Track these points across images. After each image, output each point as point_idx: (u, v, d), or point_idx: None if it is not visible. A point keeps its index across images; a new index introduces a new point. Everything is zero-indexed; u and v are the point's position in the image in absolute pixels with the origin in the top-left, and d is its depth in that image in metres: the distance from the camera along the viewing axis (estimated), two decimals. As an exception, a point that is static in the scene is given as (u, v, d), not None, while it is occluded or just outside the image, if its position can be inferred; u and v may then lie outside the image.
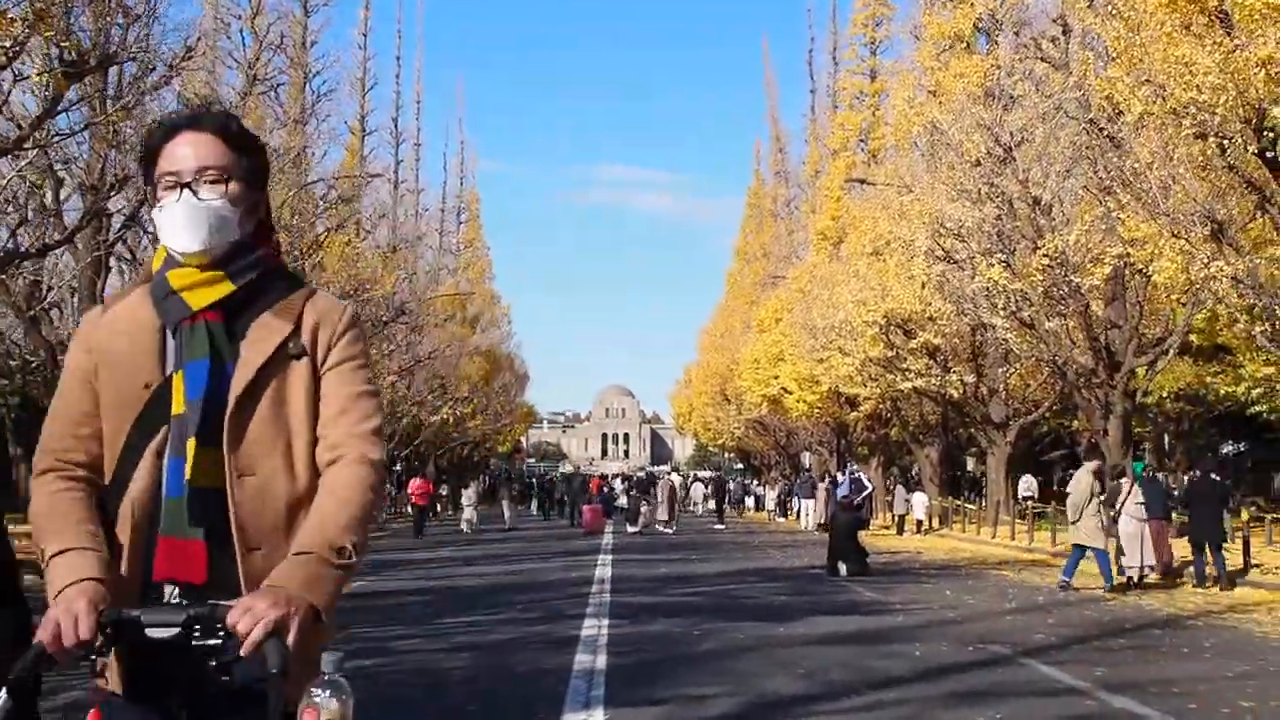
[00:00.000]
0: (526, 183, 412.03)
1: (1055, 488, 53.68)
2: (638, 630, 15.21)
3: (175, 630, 2.64)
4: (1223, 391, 38.03)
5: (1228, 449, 54.74)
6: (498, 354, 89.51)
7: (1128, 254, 24.95)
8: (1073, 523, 21.29)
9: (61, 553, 2.76)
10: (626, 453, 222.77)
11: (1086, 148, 27.02)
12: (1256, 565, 22.54)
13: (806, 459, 65.96)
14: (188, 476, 2.83)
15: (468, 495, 47.85)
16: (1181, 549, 23.46)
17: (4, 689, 2.58)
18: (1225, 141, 19.33)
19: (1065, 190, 28.97)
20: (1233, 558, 23.14)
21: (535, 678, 11.65)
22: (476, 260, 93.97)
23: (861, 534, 26.31)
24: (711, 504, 58.79)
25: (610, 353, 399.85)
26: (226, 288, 2.97)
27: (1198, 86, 18.55)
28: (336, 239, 45.12)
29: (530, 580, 23.28)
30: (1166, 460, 48.97)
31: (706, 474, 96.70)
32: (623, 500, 50.88)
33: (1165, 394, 39.93)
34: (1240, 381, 35.40)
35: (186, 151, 2.95)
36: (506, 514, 49.07)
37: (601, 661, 12.37)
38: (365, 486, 2.90)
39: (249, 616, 2.56)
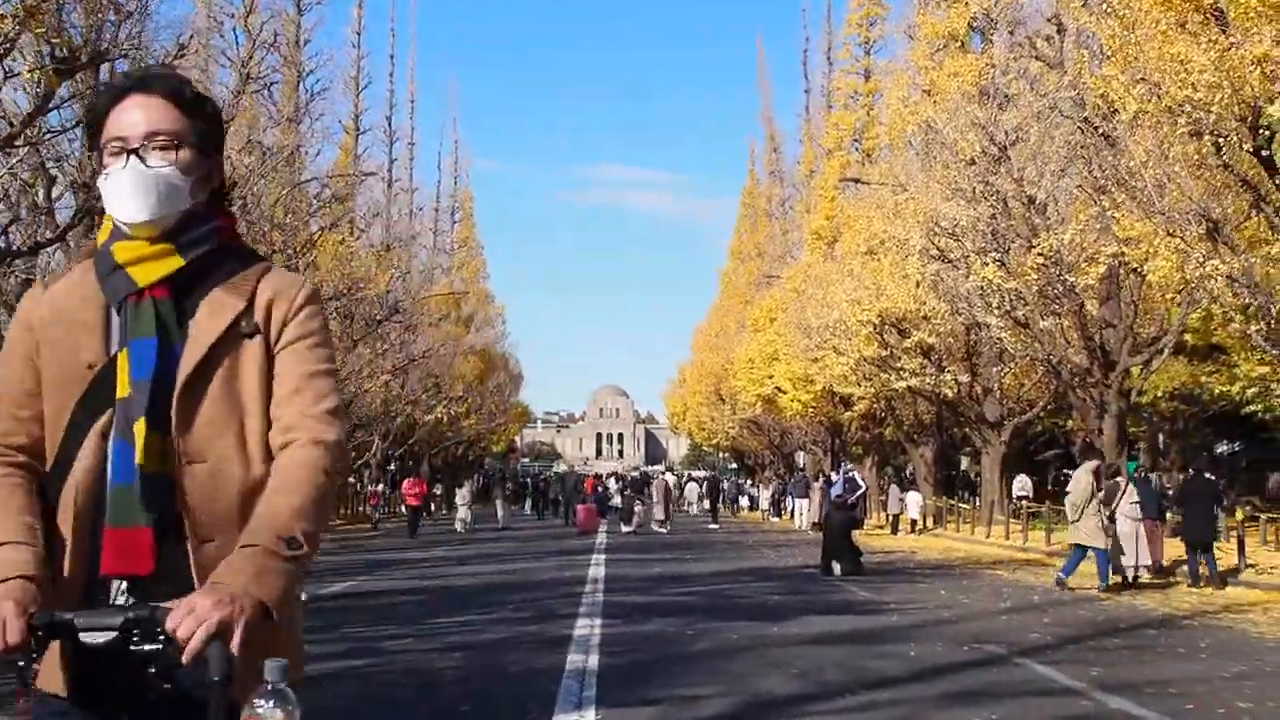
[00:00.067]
0: (523, 182, 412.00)
1: (1050, 487, 53.70)
2: (631, 630, 15.14)
3: (112, 635, 2.43)
4: (1217, 391, 37.97)
5: (1222, 449, 54.74)
6: (492, 353, 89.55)
7: (1122, 253, 24.88)
8: (1072, 522, 21.22)
9: None
10: (621, 452, 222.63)
11: (1081, 147, 26.98)
12: (1251, 565, 22.49)
13: (801, 458, 65.98)
14: (138, 461, 2.64)
15: (462, 495, 47.78)
16: (1175, 548, 23.50)
17: None
18: (1220, 140, 19.28)
19: (1060, 189, 28.92)
20: (1227, 557, 23.16)
21: (527, 677, 11.58)
22: (471, 259, 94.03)
23: (855, 533, 26.31)
24: (706, 504, 58.71)
25: (605, 352, 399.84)
26: (176, 262, 2.78)
27: (1193, 84, 18.49)
28: (330, 238, 45.12)
29: (523, 580, 23.20)
30: (1161, 460, 48.91)
31: (700, 474, 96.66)
32: (617, 500, 50.79)
33: (1160, 393, 39.89)
34: (1235, 381, 35.35)
35: (135, 116, 2.77)
36: (500, 513, 49.04)
37: (594, 661, 12.29)
38: (318, 470, 2.70)
39: (190, 619, 2.35)
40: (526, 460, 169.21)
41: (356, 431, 60.32)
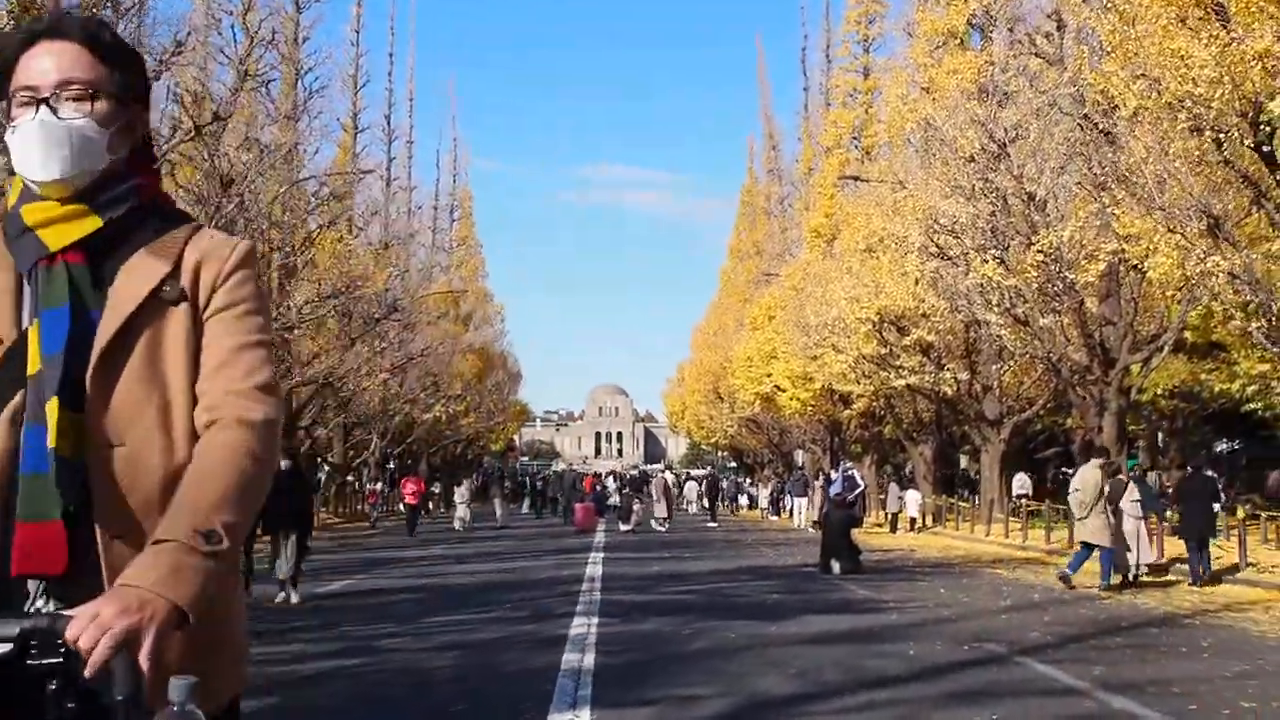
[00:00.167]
0: (523, 182, 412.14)
1: (1050, 485, 53.63)
2: (628, 629, 15.03)
3: (7, 648, 2.09)
4: (1217, 389, 37.90)
5: (1222, 446, 54.67)
6: (490, 352, 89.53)
7: (1123, 250, 24.79)
8: (1080, 519, 21.10)
9: None
10: (620, 451, 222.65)
11: (1081, 143, 26.89)
12: (1252, 563, 22.39)
13: (799, 457, 65.86)
14: (51, 445, 2.33)
15: (460, 493, 47.67)
16: (1172, 546, 23.44)
17: None
18: (1221, 136, 19.17)
19: (1060, 186, 28.83)
20: (1228, 555, 23.09)
21: (523, 677, 11.47)
22: (469, 258, 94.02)
23: (854, 532, 26.20)
24: (705, 502, 58.60)
25: (604, 352, 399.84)
26: (92, 223, 2.50)
27: (1193, 80, 18.41)
28: (328, 236, 45.06)
29: (521, 578, 23.09)
30: (1160, 458, 48.86)
31: (699, 472, 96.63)
32: (615, 499, 50.70)
33: (1159, 391, 39.83)
34: (1235, 379, 35.26)
35: (46, 63, 2.49)
36: (499, 512, 48.96)
37: (590, 661, 12.18)
38: (243, 454, 2.40)
39: (93, 628, 2.05)
40: (525, 459, 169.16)
41: (355, 430, 60.40)
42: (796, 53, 76.45)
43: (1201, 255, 19.77)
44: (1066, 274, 27.90)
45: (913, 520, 43.14)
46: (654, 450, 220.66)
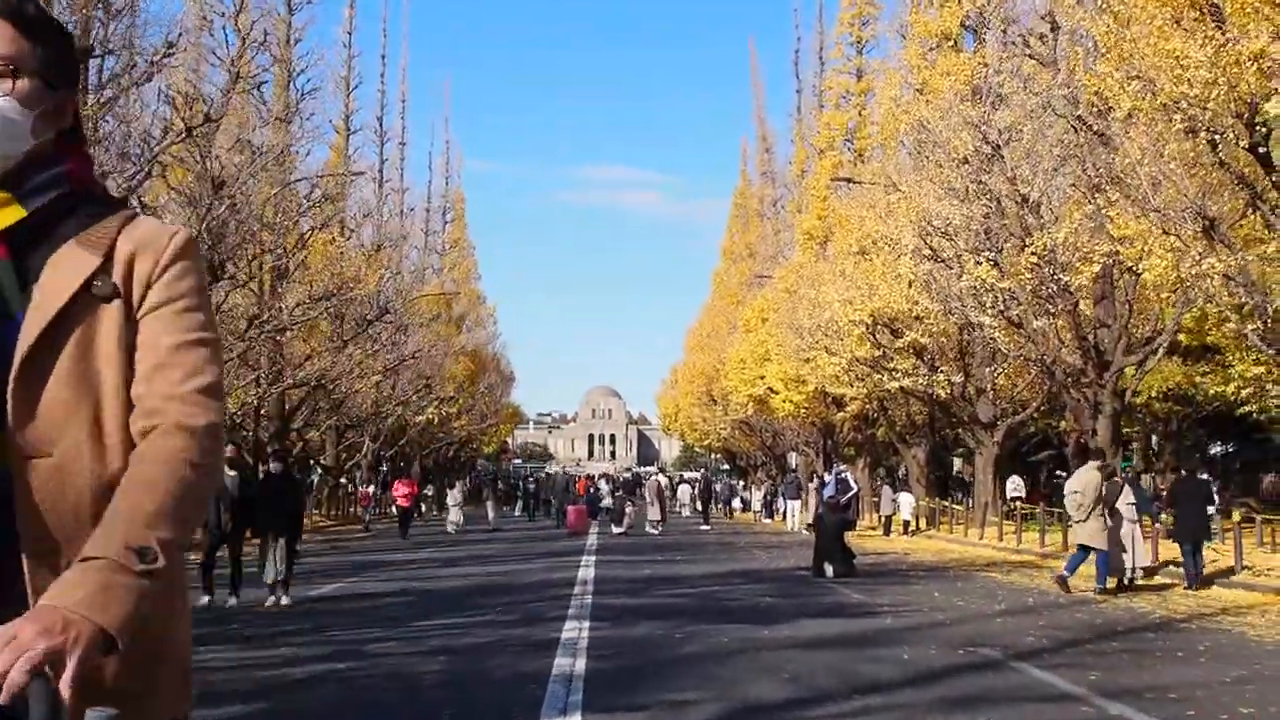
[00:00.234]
0: (518, 183, 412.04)
1: (1043, 488, 53.60)
2: (619, 633, 14.91)
3: None
4: (1212, 391, 37.85)
5: (1216, 449, 54.65)
6: (483, 354, 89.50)
7: (1117, 252, 24.72)
8: (1078, 522, 21.00)
9: None
10: (613, 453, 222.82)
11: (1075, 145, 26.83)
12: (1248, 566, 22.30)
13: (793, 459, 65.78)
14: None
15: (453, 496, 47.52)
16: (1167, 550, 23.37)
17: None
18: (1216, 137, 19.10)
19: (1053, 188, 28.73)
20: (1224, 559, 23.02)
21: (512, 682, 11.36)
22: (462, 260, 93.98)
23: (848, 535, 26.10)
24: (698, 504, 58.49)
25: (598, 353, 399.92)
26: (15, 213, 2.30)
27: (1188, 81, 18.33)
28: (320, 238, 45.00)
29: (512, 581, 22.98)
30: (1154, 461, 48.84)
31: (692, 475, 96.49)
32: (608, 501, 50.59)
33: (1154, 394, 39.78)
34: (1229, 382, 35.20)
35: None
36: (491, 514, 48.82)
37: (581, 665, 12.07)
38: (182, 463, 2.21)
39: (9, 651, 1.85)
40: (519, 461, 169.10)
41: (347, 432, 60.31)
42: (790, 54, 76.41)
43: (1197, 257, 19.69)
44: (1060, 276, 27.81)
45: (906, 523, 43.05)
46: (647, 452, 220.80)
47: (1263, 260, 20.49)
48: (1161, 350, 29.95)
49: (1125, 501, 21.45)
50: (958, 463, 64.09)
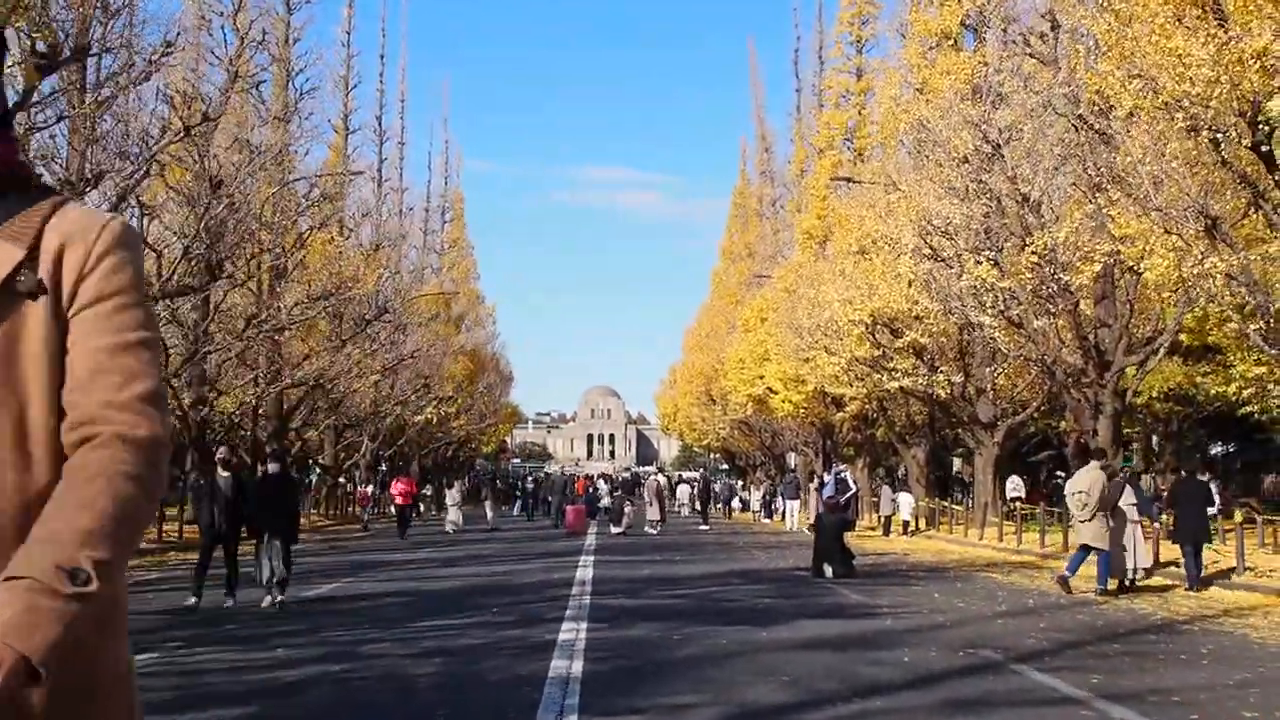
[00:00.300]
0: (517, 183, 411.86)
1: (1043, 489, 53.49)
2: (617, 634, 14.79)
3: None
4: (1213, 392, 37.74)
5: (1216, 450, 54.54)
6: (482, 354, 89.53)
7: (1118, 251, 24.61)
8: (1082, 522, 20.87)
9: None
10: (612, 453, 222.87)
11: (1076, 144, 26.72)
12: (1250, 568, 22.18)
13: (792, 459, 65.70)
14: None
15: (452, 496, 47.41)
16: (1167, 550, 23.27)
17: None
18: (1219, 136, 18.99)
19: (1054, 187, 28.63)
20: (1225, 559, 22.91)
21: (508, 684, 11.25)
22: (461, 260, 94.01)
23: (847, 535, 25.99)
24: (697, 504, 58.38)
25: (596, 353, 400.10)
26: None
27: (1190, 79, 18.23)
28: (319, 237, 44.98)
29: (509, 582, 22.87)
30: (1155, 461, 48.73)
31: (691, 474, 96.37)
32: (606, 501, 50.50)
33: (1154, 394, 39.67)
34: (1230, 382, 35.08)
35: None
36: (489, 514, 48.72)
37: (578, 667, 11.94)
38: (123, 477, 2.01)
39: None
40: (517, 461, 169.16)
41: (346, 432, 60.29)
42: (789, 54, 76.33)
43: (1199, 257, 19.58)
44: (1061, 276, 27.71)
45: (906, 524, 42.94)
46: (646, 452, 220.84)
47: (1265, 260, 20.36)
48: (1162, 350, 29.86)
49: (1127, 502, 21.34)
50: (957, 463, 64.00)
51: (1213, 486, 29.52)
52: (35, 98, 25.62)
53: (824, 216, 55.06)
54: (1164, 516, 24.64)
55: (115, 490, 2.00)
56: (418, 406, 63.98)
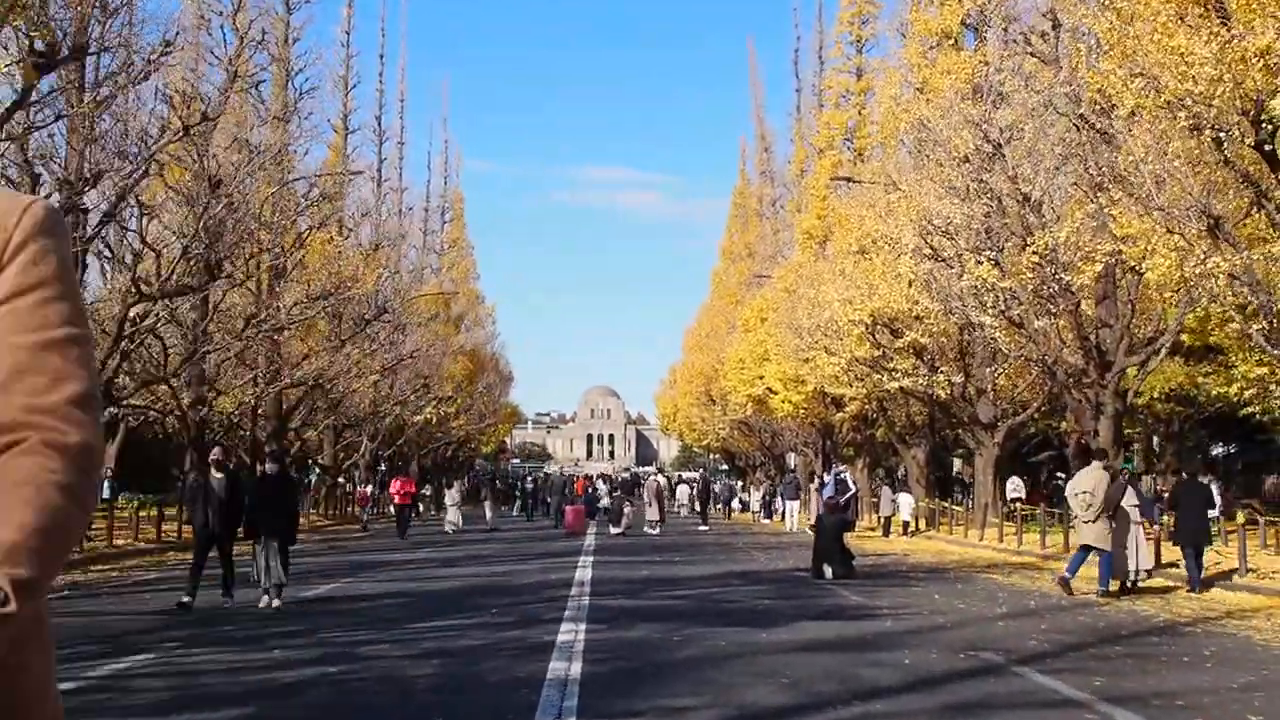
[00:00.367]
0: (516, 183, 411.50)
1: (1043, 489, 53.40)
2: (616, 636, 14.71)
3: None
4: (1214, 392, 37.63)
5: (1217, 451, 54.43)
6: (481, 354, 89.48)
7: (1119, 251, 24.52)
8: (1086, 522, 20.76)
9: None
10: (612, 453, 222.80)
11: (1077, 144, 26.63)
12: (1252, 569, 22.10)
13: (791, 460, 65.62)
14: None
15: (451, 496, 47.33)
16: (1167, 552, 23.20)
17: None
18: (1221, 134, 18.90)
19: (1055, 187, 28.54)
20: (1227, 561, 22.84)
21: (506, 686, 11.16)
22: (461, 260, 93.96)
23: (847, 536, 25.91)
24: (697, 505, 58.27)
25: (596, 354, 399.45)
26: None
27: (1193, 78, 18.13)
28: (318, 237, 44.93)
29: (508, 582, 22.79)
30: (1156, 462, 48.62)
31: (691, 475, 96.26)
32: (606, 501, 50.44)
33: (1155, 395, 39.57)
34: (1232, 382, 34.96)
35: None
36: (488, 514, 48.62)
37: (576, 669, 11.86)
38: (51, 486, 1.82)
39: None
40: (517, 461, 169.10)
41: (345, 432, 60.23)
42: (789, 54, 76.24)
43: (1201, 256, 19.48)
44: (1062, 276, 27.62)
45: (905, 524, 42.85)
46: (646, 452, 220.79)
47: (1268, 259, 20.25)
48: (1164, 351, 29.78)
49: (1130, 503, 21.25)
50: (957, 463, 63.92)
51: (1214, 488, 29.45)
52: (34, 97, 25.53)
53: (824, 216, 54.98)
54: (1165, 518, 24.56)
55: (43, 501, 1.82)
56: (417, 406, 63.93)
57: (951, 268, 30.66)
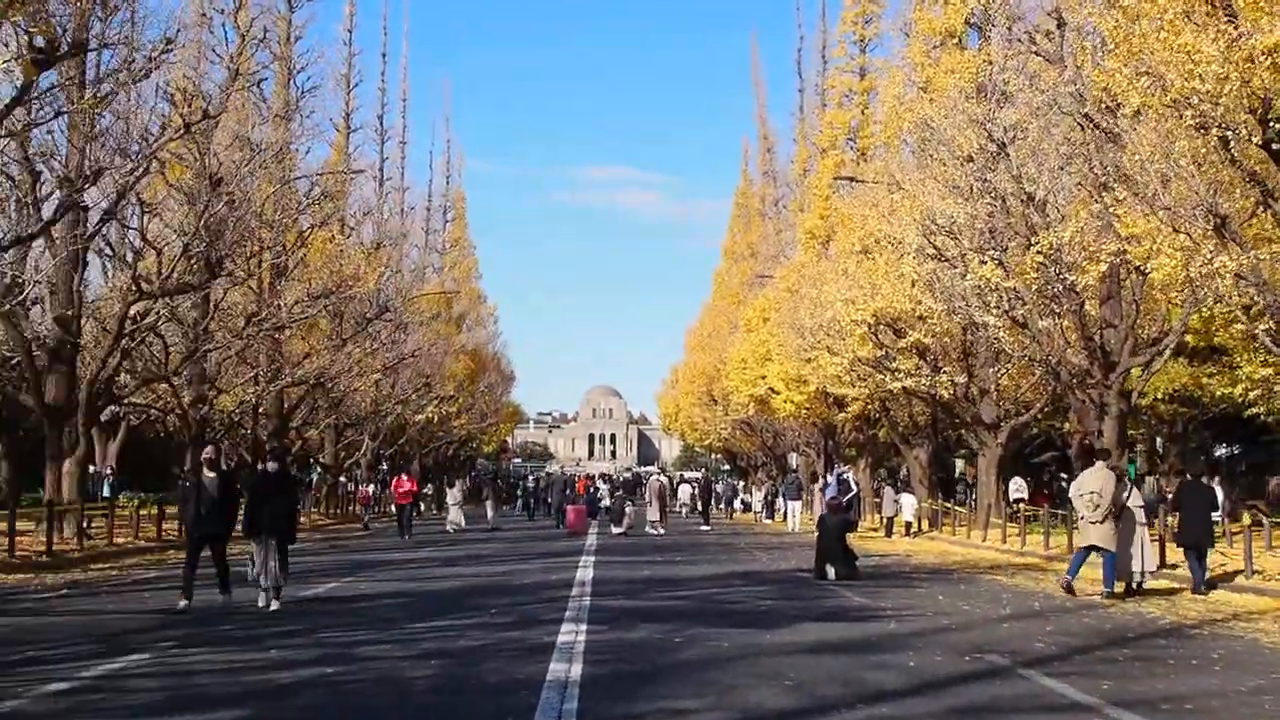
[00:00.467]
0: (517, 183, 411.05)
1: (1046, 490, 53.25)
2: (617, 637, 14.58)
3: None
4: (1219, 393, 37.49)
5: (1221, 452, 54.28)
6: (483, 353, 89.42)
7: (1124, 251, 24.37)
8: (1092, 523, 20.58)
9: None
10: (614, 453, 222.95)
11: (1081, 143, 26.49)
12: (1258, 571, 21.94)
13: (794, 460, 65.48)
14: None
15: (453, 495, 47.22)
16: (1170, 553, 23.09)
17: None
18: (1228, 133, 18.75)
19: (1059, 186, 28.38)
20: (1232, 562, 22.69)
21: (506, 688, 11.04)
22: (462, 259, 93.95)
23: (850, 536, 25.78)
24: (699, 505, 58.08)
25: (598, 353, 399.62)
26: None
27: (1200, 76, 17.95)
28: (320, 235, 44.90)
29: (509, 582, 22.65)
30: (1159, 463, 48.48)
31: (693, 475, 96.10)
32: (608, 501, 50.30)
33: (1159, 396, 39.42)
34: (1237, 383, 34.83)
35: None
36: (490, 514, 48.51)
37: (577, 671, 11.74)
38: None
39: None
40: (519, 460, 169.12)
41: (347, 430, 60.18)
42: (792, 53, 76.11)
43: (1208, 256, 19.32)
44: (1066, 276, 27.48)
45: (908, 525, 42.71)
46: (647, 452, 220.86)
47: (1275, 259, 20.09)
48: (1168, 351, 29.63)
49: (1136, 504, 21.11)
50: (960, 464, 63.78)
51: (1218, 489, 29.30)
52: (34, 93, 25.40)
53: (827, 216, 54.88)
54: (1169, 519, 24.43)
55: None
56: (419, 406, 63.89)
57: (955, 267, 30.52)
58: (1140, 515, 21.04)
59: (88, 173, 27.96)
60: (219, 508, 18.28)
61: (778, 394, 54.04)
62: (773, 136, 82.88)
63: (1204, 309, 27.22)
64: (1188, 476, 24.17)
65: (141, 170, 29.17)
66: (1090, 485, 20.54)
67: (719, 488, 68.50)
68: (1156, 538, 23.27)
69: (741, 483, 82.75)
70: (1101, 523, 20.20)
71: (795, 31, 76.45)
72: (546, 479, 71.34)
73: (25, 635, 15.16)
